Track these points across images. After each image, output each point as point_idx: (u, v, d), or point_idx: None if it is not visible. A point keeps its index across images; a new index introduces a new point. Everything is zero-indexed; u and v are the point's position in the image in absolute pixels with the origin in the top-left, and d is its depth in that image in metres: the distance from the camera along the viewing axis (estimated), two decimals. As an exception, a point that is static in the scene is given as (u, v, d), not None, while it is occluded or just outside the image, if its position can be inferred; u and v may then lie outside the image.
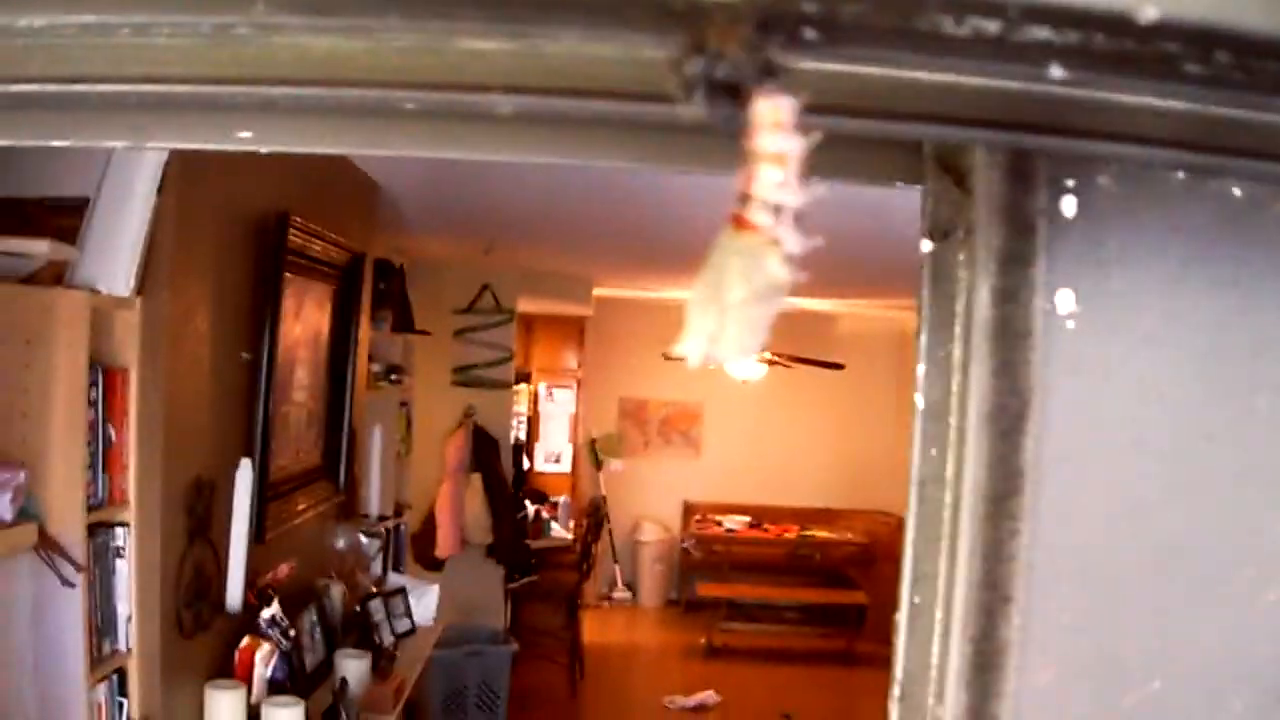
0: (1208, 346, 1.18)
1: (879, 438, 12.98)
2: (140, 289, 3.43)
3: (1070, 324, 1.16)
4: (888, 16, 0.69)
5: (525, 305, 10.51)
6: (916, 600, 1.24)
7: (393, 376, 7.68)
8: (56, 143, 1.17)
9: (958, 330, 1.18)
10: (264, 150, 1.16)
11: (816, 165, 1.15)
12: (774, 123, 0.77)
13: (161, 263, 3.52)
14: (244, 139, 1.13)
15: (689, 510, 13.37)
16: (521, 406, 12.40)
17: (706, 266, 0.82)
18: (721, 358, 0.83)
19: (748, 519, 13.02)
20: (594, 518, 12.02)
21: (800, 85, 0.89)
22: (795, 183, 0.81)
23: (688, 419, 13.62)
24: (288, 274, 4.79)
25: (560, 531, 11.73)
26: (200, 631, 3.95)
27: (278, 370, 4.76)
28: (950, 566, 1.19)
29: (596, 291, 11.56)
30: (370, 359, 6.96)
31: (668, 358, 11.18)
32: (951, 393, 1.19)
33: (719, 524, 12.89)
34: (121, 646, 3.44)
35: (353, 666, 5.12)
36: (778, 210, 0.81)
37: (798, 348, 11.48)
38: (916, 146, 1.19)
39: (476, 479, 9.69)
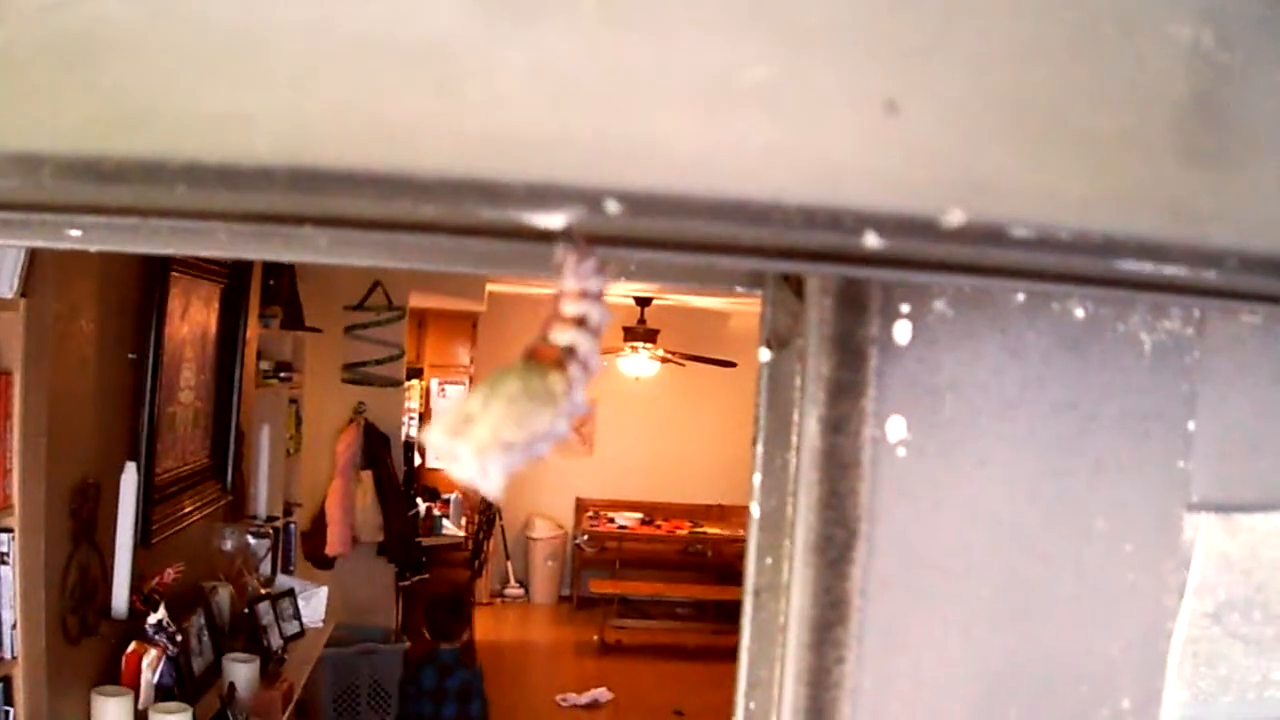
0: (1045, 469, 1.17)
1: (770, 435, 13.07)
2: (24, 290, 3.36)
3: (900, 451, 1.14)
4: (691, 200, 0.69)
5: (417, 301, 10.43)
6: (751, 706, 1.22)
7: (282, 374, 7.60)
8: None
9: (794, 439, 1.16)
10: (93, 249, 1.14)
11: (658, 273, 1.15)
12: (579, 291, 0.78)
13: (46, 263, 3.46)
14: (73, 237, 1.11)
15: (581, 507, 13.39)
16: (413, 403, 12.32)
17: (487, 386, 0.78)
18: (463, 476, 0.77)
19: (640, 515, 13.05)
20: (485, 515, 11.98)
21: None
22: (593, 349, 0.80)
23: (580, 417, 13.59)
24: (174, 273, 4.73)
25: (452, 529, 11.66)
26: (86, 637, 3.89)
27: (164, 370, 4.70)
28: (780, 682, 1.17)
29: (490, 288, 11.51)
30: (259, 357, 6.88)
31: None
32: (787, 503, 1.17)
33: (611, 520, 12.92)
34: (6, 654, 3.39)
35: (241, 671, 5.07)
36: (570, 353, 0.80)
37: (690, 345, 11.54)
38: (758, 253, 1.16)
39: (367, 476, 9.61)
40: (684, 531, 12.91)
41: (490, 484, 0.76)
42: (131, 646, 4.21)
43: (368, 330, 9.72)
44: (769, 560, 1.20)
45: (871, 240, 0.71)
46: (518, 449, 0.76)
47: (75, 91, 0.62)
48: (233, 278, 5.81)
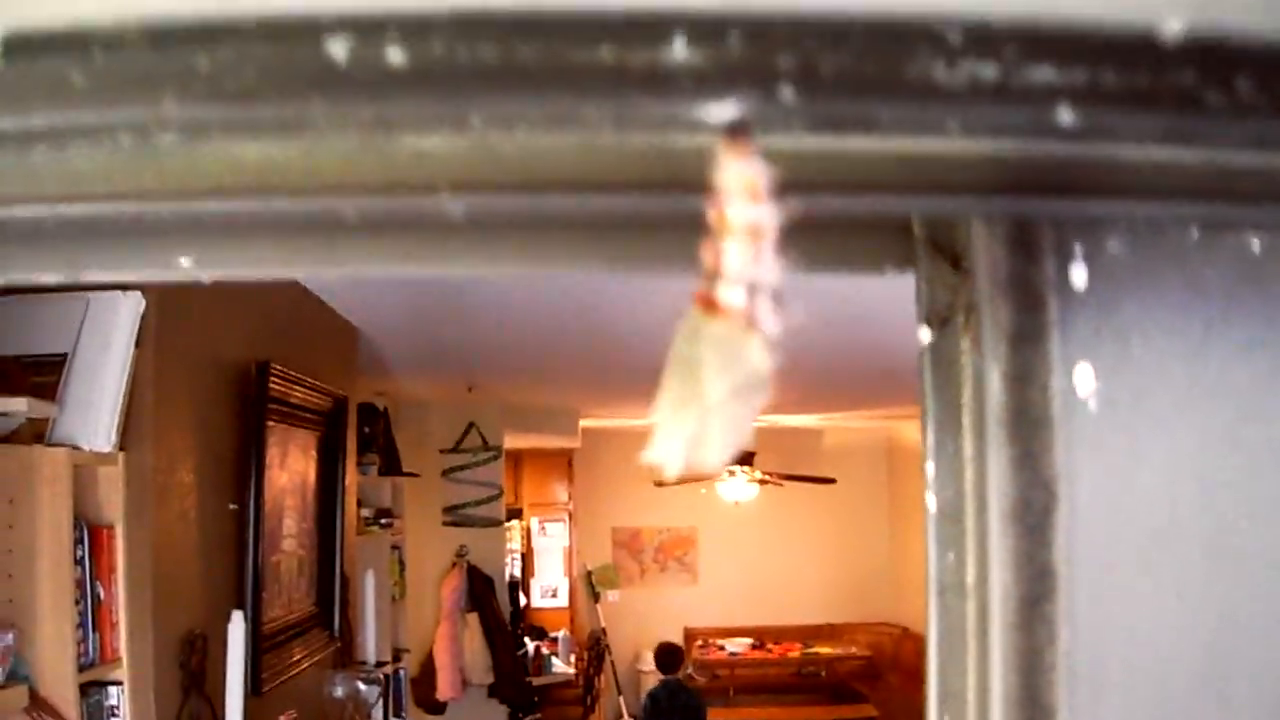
0: (1241, 413, 1.09)
1: (875, 549, 12.93)
2: (122, 444, 3.40)
3: (1091, 403, 1.07)
4: (874, 66, 0.61)
5: (512, 441, 10.48)
6: None
7: (383, 520, 7.63)
8: None
9: (966, 422, 1.10)
10: (206, 279, 1.08)
11: (795, 254, 1.09)
12: (746, 189, 0.68)
13: (143, 416, 3.50)
14: (185, 268, 1.07)
15: (690, 636, 13.24)
16: (514, 543, 12.33)
17: (674, 360, 0.72)
18: (703, 463, 0.72)
19: (750, 641, 12.88)
20: (595, 650, 11.90)
21: (777, 158, 0.86)
22: (772, 257, 0.71)
23: (682, 545, 13.53)
24: (270, 422, 4.77)
25: (561, 666, 11.59)
26: (202, 789, 3.87)
27: (265, 519, 4.72)
28: (981, 681, 1.09)
29: (583, 423, 11.54)
30: (359, 504, 6.92)
31: (660, 484, 11.21)
32: (965, 492, 1.10)
33: (721, 648, 12.75)
34: (122, 810, 3.37)
35: (361, 817, 5.01)
36: (753, 289, 0.71)
37: (786, 464, 11.46)
38: (906, 229, 1.12)
39: (474, 619, 9.59)
40: (795, 653, 12.73)
41: (728, 450, 0.72)
42: (248, 797, 4.19)
43: (465, 472, 9.78)
44: (951, 556, 1.13)
45: (1064, 116, 0.65)
46: (745, 421, 0.72)
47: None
48: (328, 425, 5.86)
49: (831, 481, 11.36)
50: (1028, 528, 1.06)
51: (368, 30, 0.57)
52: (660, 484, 10.99)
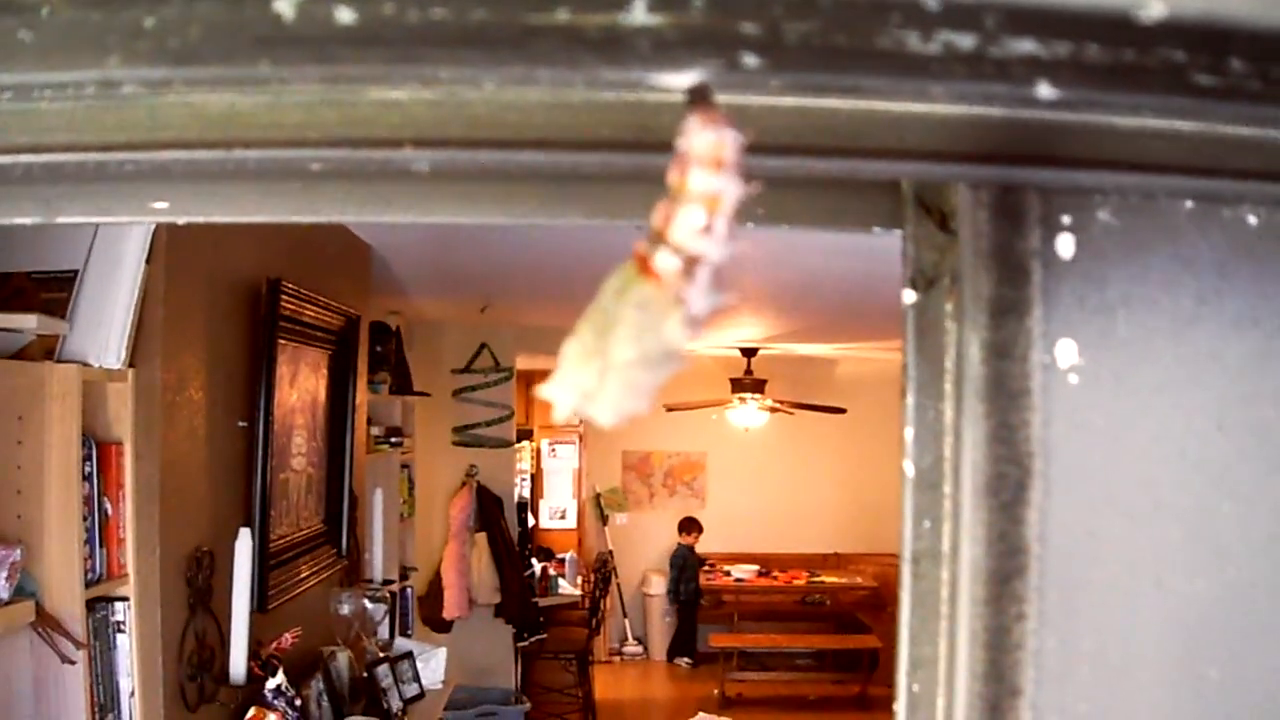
0: (1229, 393, 1.07)
1: (884, 480, 12.92)
2: (132, 360, 3.41)
3: (1073, 378, 1.05)
4: (842, 35, 0.59)
5: (524, 362, 10.48)
6: (915, 689, 1.12)
7: (393, 439, 7.65)
8: None
9: (948, 388, 1.07)
10: (181, 222, 1.07)
11: (786, 212, 1.04)
12: (711, 158, 0.65)
13: (153, 333, 3.50)
14: (159, 209, 1.06)
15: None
16: (524, 464, 12.38)
17: (595, 308, 0.71)
18: (592, 417, 0.72)
19: (756, 568, 12.94)
20: (601, 573, 11.97)
21: (755, 120, 0.79)
22: (722, 233, 0.68)
23: (692, 470, 13.57)
24: (281, 340, 4.77)
25: (568, 588, 11.67)
26: (205, 704, 3.90)
27: (274, 437, 4.74)
28: (950, 653, 1.08)
29: (596, 345, 11.54)
30: (369, 422, 6.93)
31: (671, 409, 11.22)
32: (944, 458, 1.08)
33: (727, 574, 12.81)
34: (125, 721, 3.40)
35: (363, 733, 5.07)
36: (692, 261, 0.68)
37: (798, 393, 11.47)
38: (894, 186, 1.08)
39: (482, 538, 9.65)
40: (801, 581, 12.78)
41: (619, 412, 0.71)
42: (251, 712, 4.22)
43: (476, 393, 9.80)
44: (927, 523, 1.10)
45: (1043, 90, 0.62)
46: (645, 389, 0.71)
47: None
48: (340, 344, 5.87)
49: (842, 411, 11.35)
50: (1001, 503, 1.04)
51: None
52: (672, 409, 11.00)
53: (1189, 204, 1.05)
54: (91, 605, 3.20)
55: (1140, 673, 1.08)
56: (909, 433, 1.11)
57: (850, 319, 9.21)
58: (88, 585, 3.17)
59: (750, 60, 0.60)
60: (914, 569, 1.12)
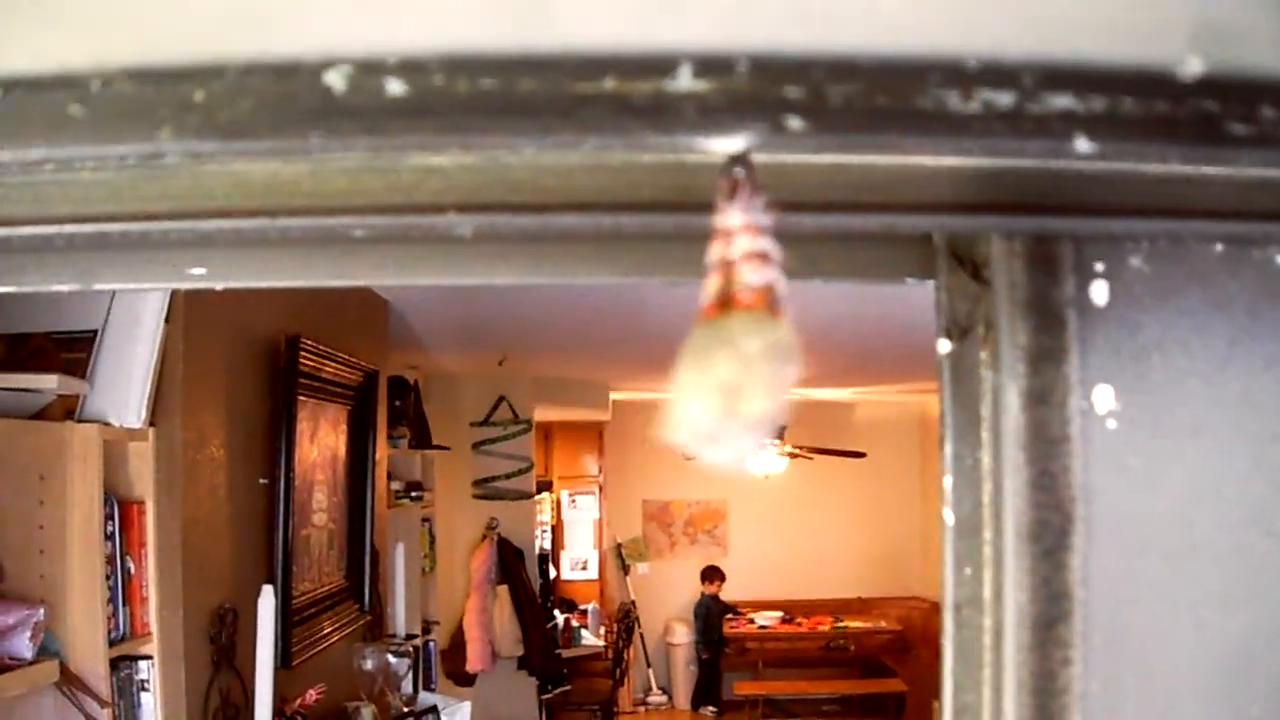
0: (1265, 432, 1.07)
1: (906, 523, 12.90)
2: (152, 419, 3.42)
3: (1111, 423, 1.05)
4: (883, 96, 0.60)
5: (542, 414, 10.49)
6: None
7: (413, 493, 7.65)
8: (2, 289, 1.12)
9: (985, 436, 1.08)
10: (219, 288, 1.09)
11: (819, 266, 1.06)
12: (748, 230, 0.68)
13: (173, 391, 3.52)
14: (197, 275, 1.08)
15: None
16: (545, 515, 12.36)
17: (693, 347, 0.71)
18: (746, 413, 0.70)
19: (780, 614, 12.87)
20: (624, 623, 11.93)
21: (793, 178, 0.83)
22: (778, 274, 0.71)
23: (712, 518, 13.53)
24: (301, 396, 4.79)
25: (591, 639, 11.63)
26: (231, 761, 3.90)
27: (296, 493, 4.74)
28: (995, 700, 1.08)
29: (613, 395, 11.55)
30: (389, 477, 6.94)
31: (690, 457, 11.14)
32: (983, 504, 1.09)
33: (751, 621, 12.75)
34: (151, 780, 3.39)
35: (391, 787, 5.04)
36: (768, 291, 0.70)
37: (817, 438, 11.44)
38: (926, 238, 1.10)
39: (504, 591, 9.63)
40: (825, 627, 12.72)
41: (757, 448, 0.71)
42: (277, 769, 4.22)
43: (495, 445, 9.80)
44: (968, 570, 1.11)
45: (1081, 145, 0.63)
46: (774, 371, 0.70)
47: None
48: (359, 399, 5.88)
49: (861, 455, 11.33)
50: (1044, 550, 1.05)
51: (367, 65, 0.57)
52: (691, 457, 10.98)
53: (1219, 247, 1.06)
54: (115, 664, 3.20)
55: (1183, 711, 1.08)
56: (948, 481, 1.12)
57: (867, 363, 9.21)
58: (111, 644, 3.17)
59: (794, 123, 0.61)
60: (956, 616, 1.12)
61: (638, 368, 9.84)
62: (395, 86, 0.58)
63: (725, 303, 0.71)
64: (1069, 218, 0.97)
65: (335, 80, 0.57)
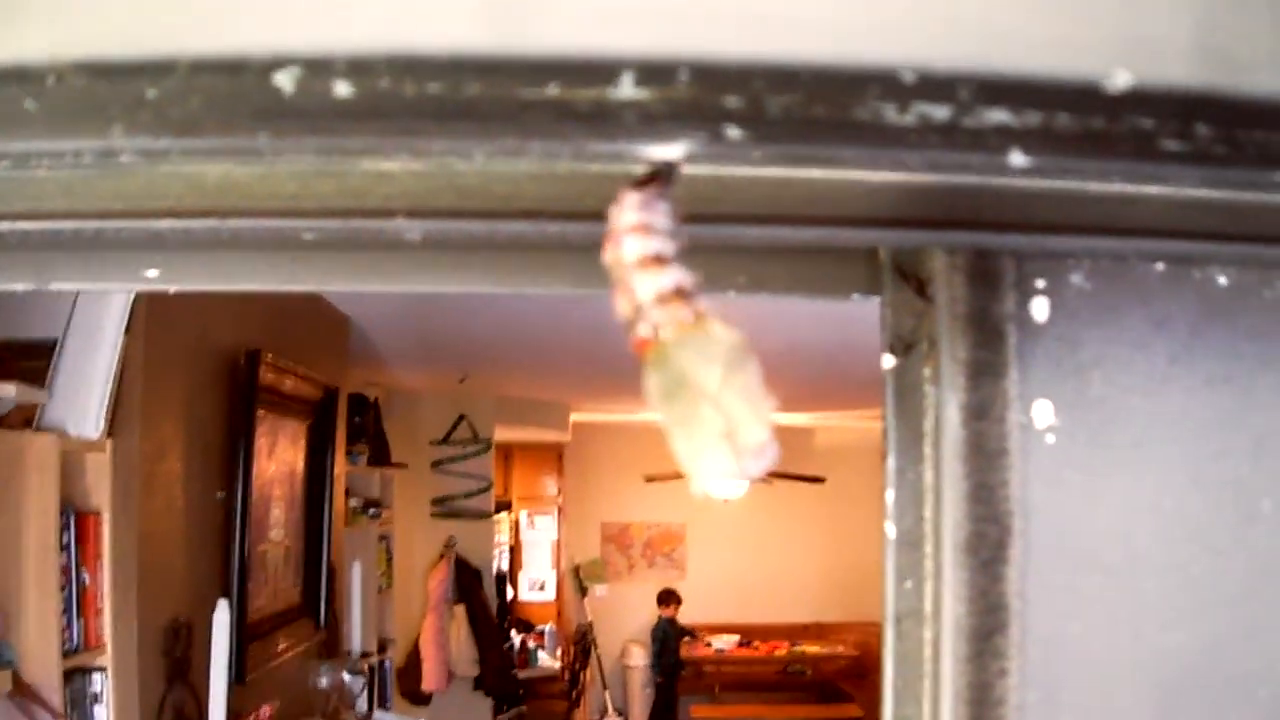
0: (1203, 449, 1.10)
1: (864, 548, 12.90)
2: (110, 430, 3.42)
3: (1050, 438, 1.07)
4: (821, 107, 0.61)
5: (502, 434, 10.48)
6: None
7: (371, 511, 7.64)
8: None
9: (927, 450, 1.10)
10: (171, 290, 1.10)
11: (765, 281, 1.09)
12: (638, 228, 0.69)
13: (132, 403, 3.52)
14: (151, 278, 1.09)
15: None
16: (503, 535, 12.34)
17: (656, 399, 0.71)
18: (750, 444, 0.70)
19: (737, 638, 12.88)
20: (581, 644, 11.92)
21: (737, 191, 0.85)
22: (675, 266, 0.70)
23: (671, 540, 13.53)
24: (260, 411, 4.78)
25: (547, 660, 11.62)
26: (182, 776, 3.89)
27: (253, 509, 4.73)
28: (934, 712, 1.09)
29: (574, 417, 11.55)
30: (347, 494, 6.93)
31: (651, 480, 11.23)
32: (924, 519, 1.11)
33: (708, 644, 12.75)
34: (102, 793, 3.38)
35: (342, 807, 5.03)
36: (678, 293, 0.70)
37: (777, 463, 11.46)
38: (872, 254, 1.12)
39: (460, 610, 9.60)
40: (782, 651, 12.73)
41: (765, 425, 0.70)
42: (229, 786, 4.20)
43: (455, 464, 9.78)
44: (909, 583, 1.13)
45: (1016, 159, 0.65)
46: (758, 389, 0.71)
47: None
48: (318, 415, 5.87)
49: (821, 481, 11.38)
50: (981, 562, 1.07)
51: (315, 65, 0.59)
52: (651, 479, 11.00)
53: (1160, 266, 1.09)
54: (69, 675, 3.20)
55: (1122, 723, 1.10)
56: (890, 495, 1.13)
57: (827, 388, 9.26)
58: (65, 655, 3.17)
59: (733, 132, 0.62)
60: (897, 629, 1.14)
61: (599, 388, 9.85)
62: (343, 88, 0.59)
63: (648, 340, 0.71)
64: (1011, 234, 1.00)
65: (284, 81, 0.58)
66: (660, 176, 0.68)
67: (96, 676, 3.37)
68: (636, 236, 0.69)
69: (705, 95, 0.60)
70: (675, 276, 0.70)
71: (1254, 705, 1.11)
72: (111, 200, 0.92)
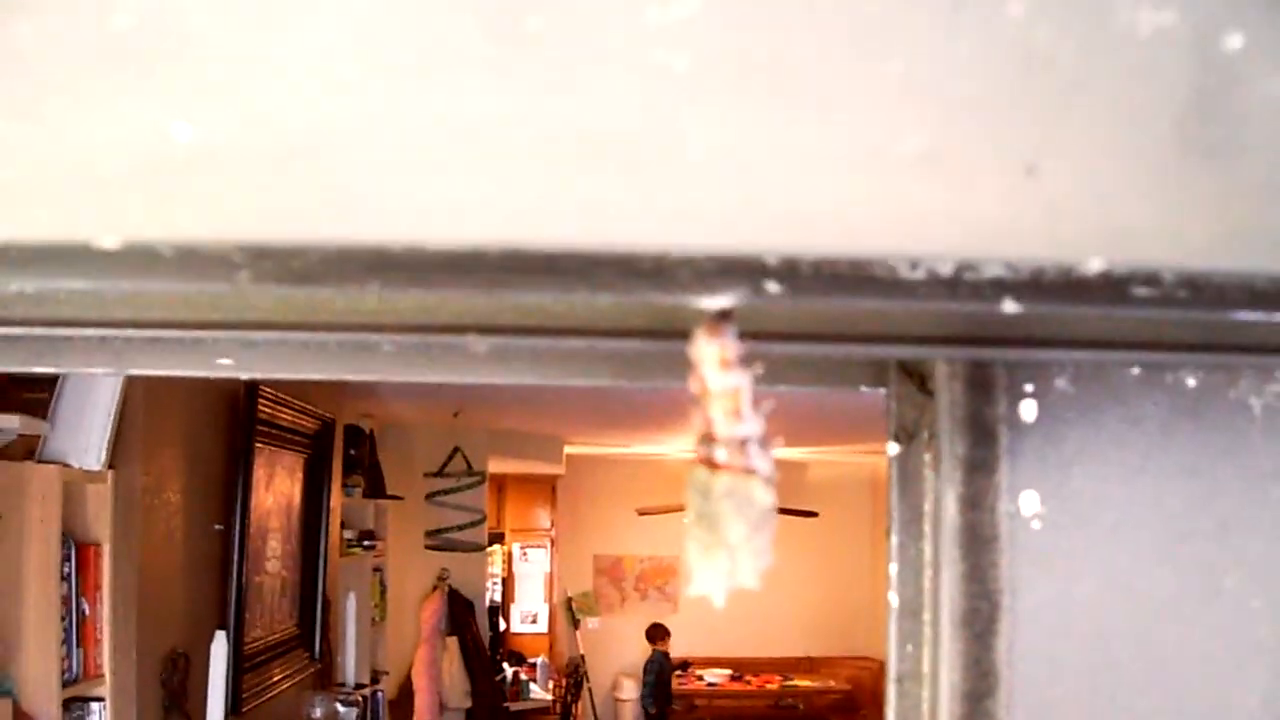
0: (1173, 532, 1.22)
1: (857, 583, 12.95)
2: (112, 462, 3.46)
3: (1035, 524, 1.20)
4: (845, 266, 0.73)
5: (496, 466, 10.51)
6: None
7: (365, 542, 7.67)
8: (40, 370, 1.24)
9: (927, 529, 1.23)
10: (244, 377, 1.23)
11: (784, 375, 1.24)
12: (719, 361, 0.81)
13: (133, 435, 3.56)
14: (224, 366, 1.20)
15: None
16: (496, 567, 12.34)
17: (693, 511, 0.85)
18: (742, 585, 0.86)
19: (729, 672, 12.88)
20: (573, 677, 11.91)
21: (768, 317, 0.99)
22: (750, 413, 0.84)
23: (663, 574, 13.54)
24: (258, 444, 4.82)
25: (539, 692, 11.61)
26: (178, 806, 3.90)
27: (250, 540, 4.77)
28: None
29: (567, 450, 11.58)
30: (343, 525, 6.96)
31: (644, 513, 11.23)
32: (924, 590, 1.24)
33: (700, 678, 12.74)
34: (100, 823, 3.40)
35: (335, 838, 5.04)
36: (742, 442, 0.84)
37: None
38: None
39: (453, 642, 9.61)
40: (774, 685, 12.73)
41: (758, 572, 0.86)
42: (224, 816, 4.21)
43: (449, 496, 9.80)
44: (909, 648, 1.25)
45: (1009, 306, 0.77)
46: (766, 547, 0.86)
47: (286, 185, 0.69)
48: (315, 447, 5.91)
49: (814, 515, 11.38)
50: (975, 633, 1.19)
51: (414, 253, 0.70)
52: (644, 513, 11.02)
53: (1136, 370, 1.21)
54: (68, 705, 3.24)
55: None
56: (893, 568, 1.26)
57: (820, 423, 9.29)
58: (64, 685, 3.21)
59: (772, 287, 0.74)
60: (898, 688, 1.27)
61: (592, 422, 9.88)
62: (439, 256, 0.70)
63: (710, 461, 0.85)
64: (1004, 348, 1.12)
65: (394, 246, 0.69)
66: (726, 316, 0.80)
67: (95, 706, 3.41)
68: (717, 370, 0.82)
69: (749, 262, 0.72)
70: (750, 429, 0.84)
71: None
72: (208, 312, 1.04)
